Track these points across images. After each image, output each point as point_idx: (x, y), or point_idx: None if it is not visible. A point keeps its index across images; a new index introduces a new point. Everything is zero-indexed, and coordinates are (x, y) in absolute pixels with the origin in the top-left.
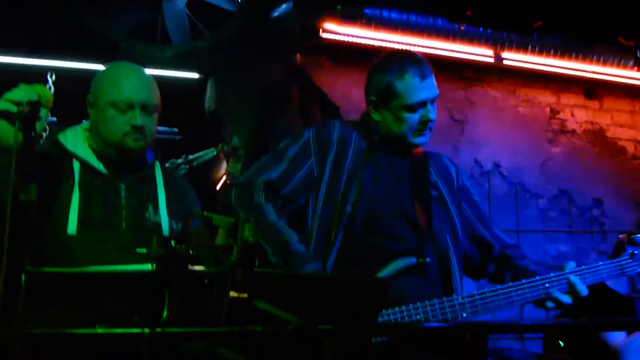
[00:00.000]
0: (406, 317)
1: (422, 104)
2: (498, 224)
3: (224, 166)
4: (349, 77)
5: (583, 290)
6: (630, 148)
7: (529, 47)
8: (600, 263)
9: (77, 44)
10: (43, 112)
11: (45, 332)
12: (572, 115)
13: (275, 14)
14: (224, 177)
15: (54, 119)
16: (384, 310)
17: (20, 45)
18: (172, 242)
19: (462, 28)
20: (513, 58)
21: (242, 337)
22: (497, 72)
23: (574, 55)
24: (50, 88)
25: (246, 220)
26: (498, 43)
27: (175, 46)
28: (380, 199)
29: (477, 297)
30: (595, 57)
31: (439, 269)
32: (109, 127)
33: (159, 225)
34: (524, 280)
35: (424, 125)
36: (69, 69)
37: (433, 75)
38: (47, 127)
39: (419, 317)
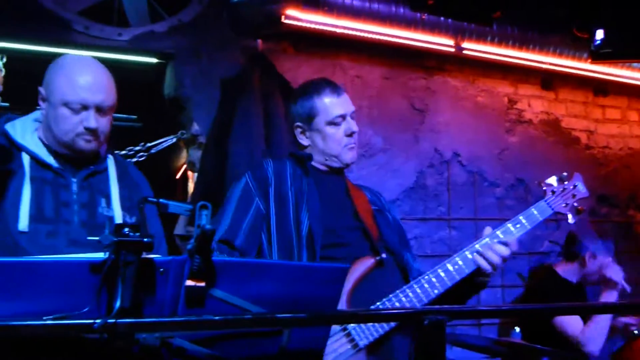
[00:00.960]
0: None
1: (343, 117)
2: (457, 212)
3: (184, 154)
4: (311, 64)
5: (491, 257)
6: (584, 138)
7: (488, 38)
8: (531, 207)
9: (29, 25)
10: None
11: None
12: (529, 105)
13: None
14: (184, 166)
15: (6, 104)
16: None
17: None
18: (126, 229)
19: (424, 17)
20: (473, 48)
21: (198, 327)
22: (458, 62)
23: (531, 46)
24: (0, 71)
25: (203, 207)
26: (458, 33)
27: (133, 29)
28: (330, 215)
29: (438, 269)
30: (551, 49)
31: (396, 263)
32: (60, 127)
33: (112, 219)
34: (473, 243)
35: (349, 138)
36: (20, 51)
37: (346, 94)
38: None
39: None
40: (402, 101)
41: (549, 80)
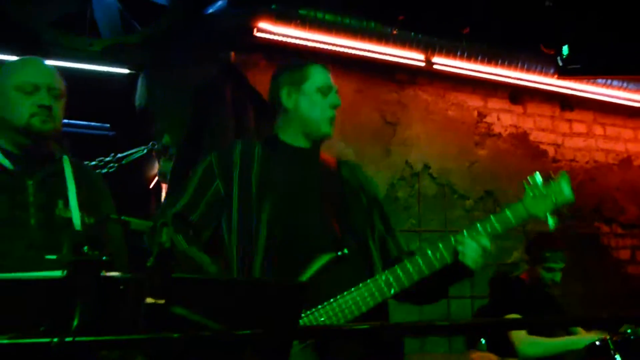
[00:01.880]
0: (336, 308)
1: (330, 89)
2: (428, 224)
3: (156, 165)
4: None
5: (472, 255)
6: (551, 151)
7: (458, 53)
8: (505, 209)
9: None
10: None
11: None
12: (498, 119)
13: (209, 10)
14: (157, 177)
15: None
16: (319, 306)
17: None
18: (85, 247)
19: (395, 32)
20: (443, 63)
21: (157, 344)
22: (428, 76)
23: (499, 61)
24: None
25: (164, 225)
26: (429, 48)
27: (104, 40)
28: (296, 207)
29: (398, 269)
30: (519, 64)
31: (360, 257)
32: (14, 111)
33: (69, 220)
34: (438, 243)
35: (332, 110)
36: None
37: None
38: None
39: (349, 303)
40: (374, 114)
41: (517, 94)
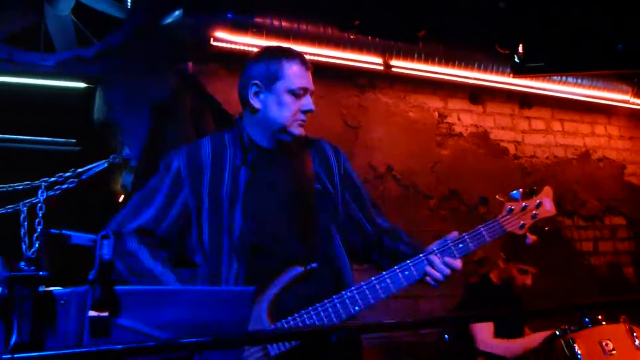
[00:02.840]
0: (299, 324)
1: (304, 92)
2: None
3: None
4: None
5: (435, 274)
6: (512, 149)
7: (415, 55)
8: (480, 226)
9: None
10: None
11: None
12: (459, 119)
13: (165, 21)
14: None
15: None
16: (283, 320)
17: None
18: (22, 263)
19: (352, 37)
20: (401, 66)
21: (100, 357)
22: (388, 79)
23: (457, 62)
24: None
25: (105, 237)
26: (386, 51)
27: (59, 54)
28: (266, 212)
29: (364, 286)
30: (477, 65)
31: (329, 269)
32: None
33: None
34: (408, 262)
35: (305, 114)
36: None
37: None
38: None
39: (311, 321)
40: (336, 119)
41: (476, 94)
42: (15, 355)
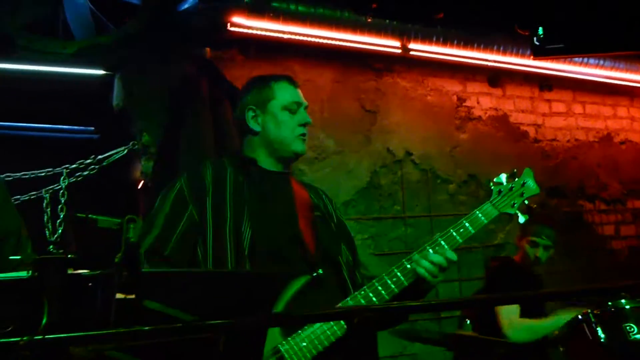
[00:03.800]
0: (318, 331)
1: (299, 105)
2: (412, 210)
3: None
4: (261, 70)
5: (427, 267)
6: (532, 132)
7: (434, 38)
8: (475, 210)
9: None
10: None
11: None
12: (478, 102)
13: (182, 7)
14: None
15: None
16: (299, 330)
17: None
18: (51, 247)
19: (369, 20)
20: (419, 49)
21: (127, 338)
22: (406, 63)
23: (476, 45)
24: None
25: (131, 220)
26: (404, 34)
27: (78, 42)
28: (271, 226)
29: (376, 283)
30: (496, 47)
31: (334, 278)
32: None
33: None
34: (383, 274)
35: (303, 127)
36: None
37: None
38: None
39: (328, 326)
40: (353, 103)
41: (495, 77)
42: (46, 337)
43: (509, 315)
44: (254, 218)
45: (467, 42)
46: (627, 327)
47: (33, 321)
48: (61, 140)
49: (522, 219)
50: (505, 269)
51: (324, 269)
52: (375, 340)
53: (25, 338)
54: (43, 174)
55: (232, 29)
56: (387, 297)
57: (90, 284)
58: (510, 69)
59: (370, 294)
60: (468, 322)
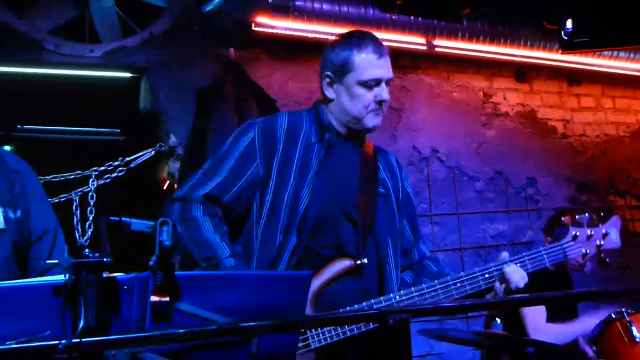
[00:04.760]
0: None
1: (377, 82)
2: (438, 207)
3: (165, 166)
4: (285, 69)
5: (518, 281)
6: (560, 127)
7: (459, 34)
8: (541, 248)
9: (1, 47)
10: None
11: None
12: (504, 98)
13: (207, 9)
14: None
15: None
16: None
17: None
18: (87, 250)
19: (394, 17)
20: (445, 45)
21: (163, 341)
22: (431, 59)
23: (502, 40)
24: None
25: (164, 224)
26: (429, 31)
27: (104, 45)
28: (330, 197)
29: (414, 293)
30: (522, 42)
31: (376, 267)
32: None
33: None
34: (462, 274)
35: (378, 104)
36: None
37: (389, 58)
38: None
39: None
40: None
41: (522, 72)
42: (83, 340)
43: (534, 319)
44: (316, 185)
45: (493, 37)
46: None
47: (70, 324)
48: (87, 142)
49: (588, 269)
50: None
51: (369, 256)
52: (409, 339)
53: (63, 341)
54: (72, 177)
55: (257, 29)
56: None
57: (125, 287)
58: (538, 63)
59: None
60: (499, 321)
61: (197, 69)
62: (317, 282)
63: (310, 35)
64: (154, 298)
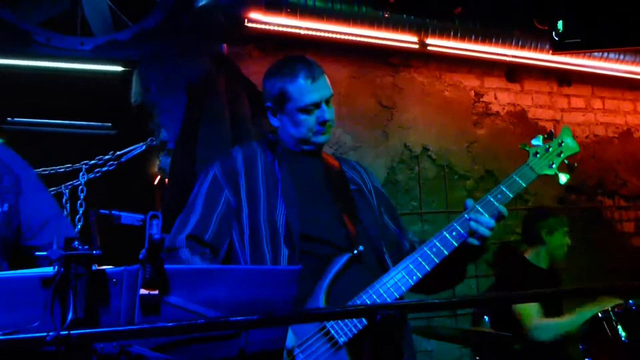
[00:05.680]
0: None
1: (316, 105)
2: (429, 205)
3: (156, 161)
4: None
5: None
6: (550, 128)
7: (451, 33)
8: (512, 174)
9: None
10: None
11: None
12: (496, 98)
13: (200, 4)
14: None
15: None
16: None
17: None
18: (76, 242)
19: (386, 15)
20: (437, 44)
21: (151, 334)
22: (423, 58)
23: (494, 40)
24: None
25: (154, 217)
26: (422, 29)
27: (96, 38)
28: (306, 204)
29: (416, 255)
30: (514, 42)
31: (375, 255)
32: None
33: None
34: (453, 222)
35: (322, 125)
36: None
37: (325, 76)
38: None
39: (372, 300)
40: (370, 99)
41: (513, 72)
42: (72, 332)
43: (531, 315)
44: (288, 196)
45: (484, 37)
46: None
47: (59, 316)
48: (78, 135)
49: (563, 178)
50: (519, 266)
51: (363, 245)
52: (402, 334)
53: (50, 333)
54: (62, 170)
55: (250, 24)
56: (436, 260)
57: (114, 280)
58: (529, 64)
59: (419, 259)
60: (486, 318)
61: (188, 63)
62: (325, 282)
63: (302, 32)
64: (143, 291)
